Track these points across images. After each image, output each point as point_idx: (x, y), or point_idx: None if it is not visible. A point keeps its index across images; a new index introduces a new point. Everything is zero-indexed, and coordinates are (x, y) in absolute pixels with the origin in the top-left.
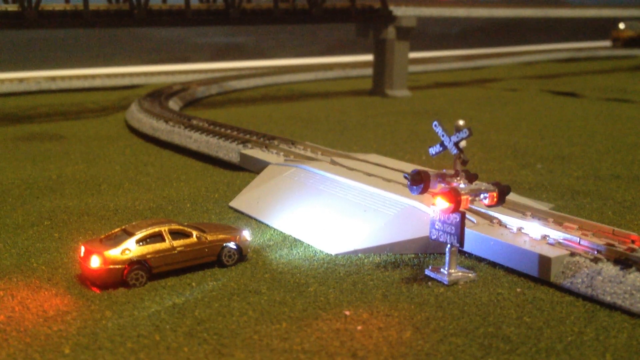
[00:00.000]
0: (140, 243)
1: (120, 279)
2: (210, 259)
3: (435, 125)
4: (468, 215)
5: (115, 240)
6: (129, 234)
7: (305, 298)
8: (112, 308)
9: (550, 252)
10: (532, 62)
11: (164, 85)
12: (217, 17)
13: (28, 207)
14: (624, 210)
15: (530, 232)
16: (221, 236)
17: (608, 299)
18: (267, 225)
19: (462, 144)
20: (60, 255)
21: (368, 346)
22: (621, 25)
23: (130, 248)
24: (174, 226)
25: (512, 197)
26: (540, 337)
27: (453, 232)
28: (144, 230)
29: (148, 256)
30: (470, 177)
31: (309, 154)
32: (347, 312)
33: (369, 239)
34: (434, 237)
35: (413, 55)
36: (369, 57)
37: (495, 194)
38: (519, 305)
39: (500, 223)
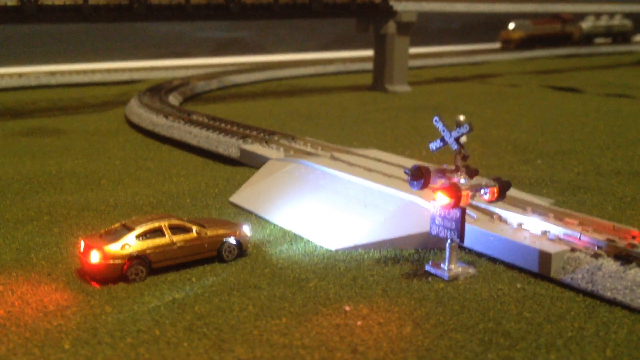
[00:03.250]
0: (140, 238)
1: (120, 274)
2: (210, 254)
3: (436, 121)
4: (468, 211)
5: (115, 235)
6: (128, 229)
7: (305, 293)
8: (112, 303)
9: (551, 248)
10: (533, 57)
11: (164, 80)
12: (217, 11)
13: (28, 202)
14: (625, 206)
15: (530, 227)
16: (221, 231)
17: (608, 294)
18: (267, 220)
19: (463, 139)
20: (60, 250)
21: (368, 341)
22: (510, 26)
23: (130, 243)
24: (174, 221)
25: (512, 192)
26: (541, 333)
27: (453, 227)
28: (144, 225)
29: (148, 251)
30: (471, 173)
31: (309, 149)
32: (347, 308)
33: (369, 234)
34: (434, 232)
35: (413, 50)
36: (369, 52)
37: (495, 190)
38: (519, 300)
39: (500, 218)
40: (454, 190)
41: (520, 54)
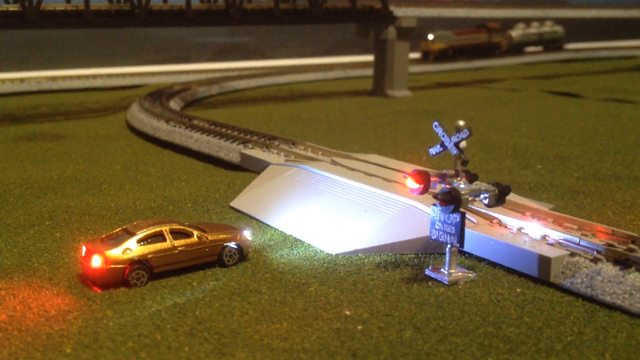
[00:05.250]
0: (142, 243)
1: (121, 278)
2: (211, 259)
3: (436, 126)
4: (468, 216)
5: (116, 240)
6: (130, 233)
7: (305, 298)
8: (113, 307)
9: (550, 252)
10: (533, 62)
11: (165, 85)
12: (217, 17)
13: (29, 206)
14: (624, 211)
15: (530, 232)
16: (222, 236)
17: (608, 299)
18: (268, 225)
19: (462, 144)
20: (62, 254)
21: (368, 346)
22: (430, 37)
23: (132, 248)
24: (175, 226)
25: (512, 197)
26: (540, 337)
27: (453, 232)
28: (145, 230)
29: (149, 256)
30: (471, 177)
31: (309, 154)
32: (348, 312)
33: (370, 239)
34: (434, 237)
35: (413, 55)
36: (370, 58)
37: (495, 194)
38: (519, 305)
39: (500, 223)
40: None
41: (521, 59)
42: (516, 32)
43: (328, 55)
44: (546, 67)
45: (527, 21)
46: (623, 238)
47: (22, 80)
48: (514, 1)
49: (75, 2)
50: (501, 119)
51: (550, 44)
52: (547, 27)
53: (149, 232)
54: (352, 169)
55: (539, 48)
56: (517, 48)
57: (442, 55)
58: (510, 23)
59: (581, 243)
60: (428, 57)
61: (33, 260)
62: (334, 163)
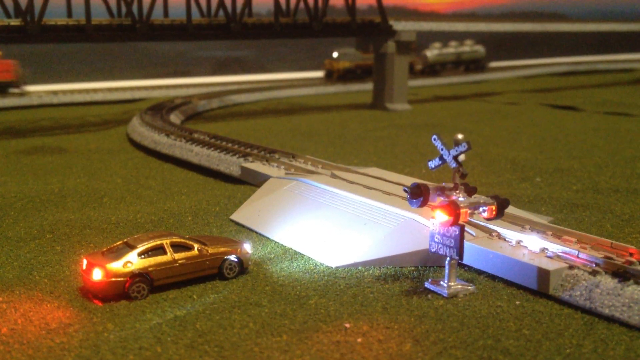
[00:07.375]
0: (142, 256)
1: (122, 291)
2: (212, 272)
3: (435, 139)
4: (467, 228)
5: (117, 253)
6: (130, 246)
7: (305, 310)
8: (114, 320)
9: (549, 265)
10: (532, 75)
11: (166, 99)
12: (218, 31)
13: (30, 220)
14: (623, 224)
15: (529, 245)
16: (222, 249)
17: (606, 311)
18: (268, 238)
19: (461, 157)
20: (63, 268)
21: (368, 358)
22: (334, 55)
23: (132, 261)
24: (176, 239)
25: (511, 210)
26: (539, 350)
27: (452, 245)
28: (146, 243)
29: (150, 269)
30: (469, 191)
31: (309, 167)
32: (348, 325)
33: (369, 251)
34: (433, 249)
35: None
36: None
37: (494, 207)
38: (518, 317)
39: (499, 236)
40: (453, 208)
41: (518, 72)
42: (431, 52)
43: None
44: (545, 80)
45: (445, 42)
46: (621, 251)
47: (23, 94)
48: (513, 15)
49: (76, 17)
50: (500, 132)
51: (471, 64)
52: (467, 47)
53: (149, 245)
54: (352, 182)
55: (460, 68)
56: (432, 68)
57: (348, 76)
58: (507, 38)
59: (580, 256)
60: (332, 76)
61: (34, 273)
62: (333, 176)
